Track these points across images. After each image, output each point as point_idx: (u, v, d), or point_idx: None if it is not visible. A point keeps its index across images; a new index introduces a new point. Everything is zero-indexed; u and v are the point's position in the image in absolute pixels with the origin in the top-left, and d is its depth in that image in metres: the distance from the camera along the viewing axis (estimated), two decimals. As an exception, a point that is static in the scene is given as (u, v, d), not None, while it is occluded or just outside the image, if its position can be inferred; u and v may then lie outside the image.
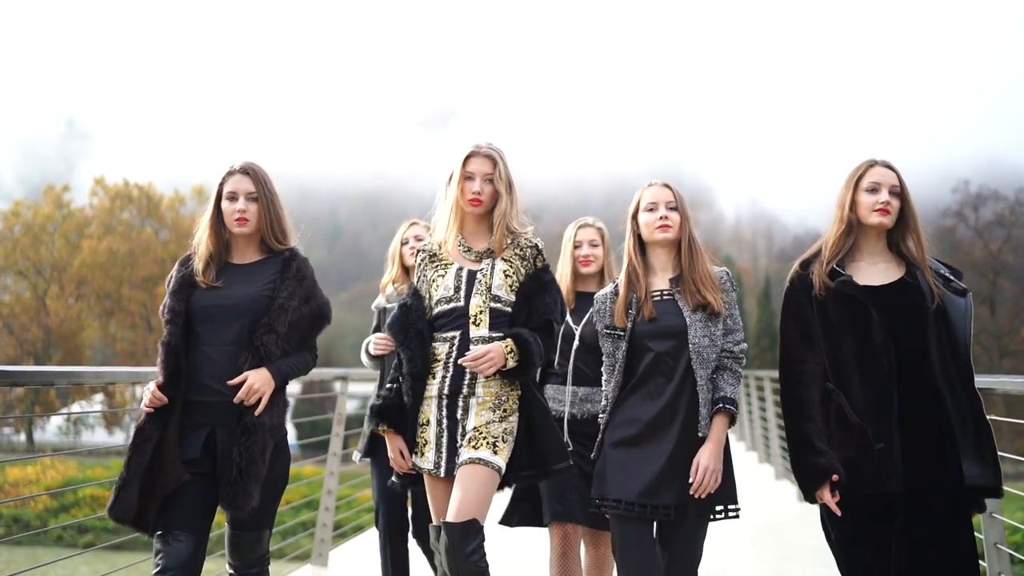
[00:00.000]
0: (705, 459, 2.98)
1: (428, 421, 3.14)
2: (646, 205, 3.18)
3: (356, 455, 4.44)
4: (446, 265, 3.22)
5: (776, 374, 10.52)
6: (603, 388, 3.22)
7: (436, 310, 3.19)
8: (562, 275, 3.87)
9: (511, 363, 3.07)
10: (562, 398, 3.75)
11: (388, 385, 3.23)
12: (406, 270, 4.29)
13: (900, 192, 2.99)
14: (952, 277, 3.00)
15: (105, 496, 21.03)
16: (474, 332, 3.12)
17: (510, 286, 3.17)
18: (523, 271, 3.21)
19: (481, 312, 3.13)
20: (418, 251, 3.32)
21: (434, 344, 3.17)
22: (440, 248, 3.26)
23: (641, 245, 3.21)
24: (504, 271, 3.18)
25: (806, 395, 2.93)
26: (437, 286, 3.20)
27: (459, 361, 3.08)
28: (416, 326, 3.17)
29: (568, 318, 3.81)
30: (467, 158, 3.21)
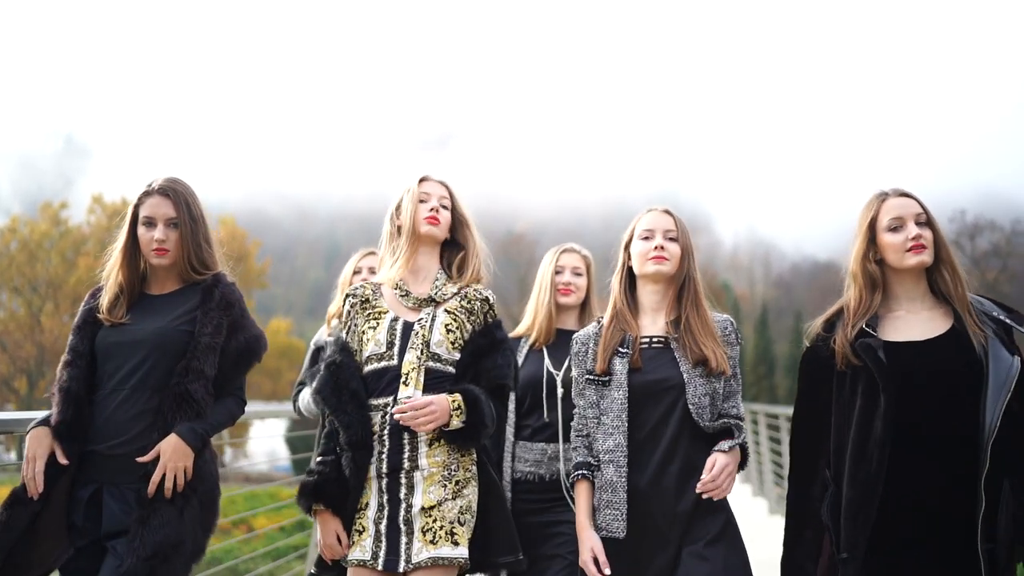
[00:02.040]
0: (724, 459, 2.52)
1: (367, 504, 2.62)
2: (641, 232, 2.72)
3: None
4: (379, 314, 2.72)
5: (771, 408, 10.46)
6: (576, 443, 2.70)
7: (366, 369, 2.69)
8: (539, 305, 3.33)
9: (456, 422, 2.58)
10: (541, 458, 3.18)
11: (320, 459, 2.69)
12: None
13: (928, 220, 2.50)
14: (1014, 324, 2.44)
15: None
16: (402, 392, 2.60)
17: (452, 342, 2.69)
18: (469, 326, 2.74)
19: (414, 370, 2.62)
20: (346, 296, 2.82)
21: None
22: (373, 293, 2.78)
23: (631, 280, 2.75)
24: (446, 325, 2.69)
25: (809, 490, 2.51)
26: (367, 340, 2.70)
27: (392, 411, 2.58)
28: (350, 386, 2.64)
29: (546, 360, 3.26)
30: (420, 181, 2.80)
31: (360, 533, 2.61)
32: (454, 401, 2.59)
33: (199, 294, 2.73)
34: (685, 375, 2.57)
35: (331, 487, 2.62)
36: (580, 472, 2.66)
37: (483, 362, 2.69)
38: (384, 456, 2.60)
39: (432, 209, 2.75)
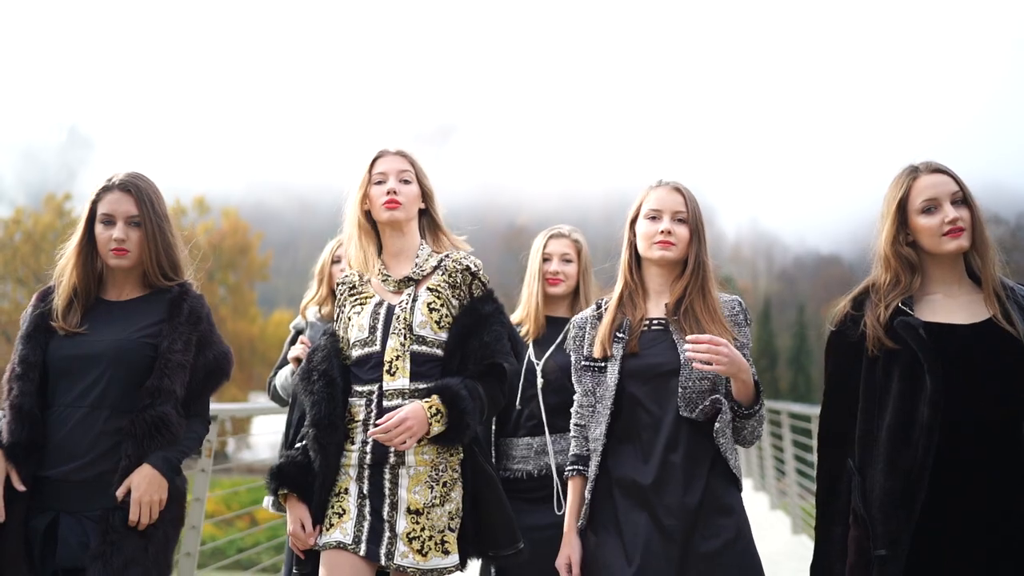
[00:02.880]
0: (733, 349, 2.31)
1: (346, 490, 2.46)
2: (648, 211, 2.49)
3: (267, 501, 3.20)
4: (365, 299, 2.57)
5: (773, 404, 10.41)
6: (574, 434, 2.53)
7: (353, 355, 2.54)
8: (530, 294, 3.15)
9: (437, 428, 2.39)
10: (527, 454, 2.99)
11: (298, 445, 2.54)
12: (335, 292, 3.24)
13: (964, 198, 2.26)
14: None
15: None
16: (389, 383, 2.44)
17: (437, 321, 2.49)
18: (455, 302, 2.54)
19: (399, 357, 2.45)
20: (338, 284, 2.68)
21: (351, 400, 2.51)
22: (360, 279, 2.62)
23: (638, 260, 2.54)
24: (429, 303, 2.50)
25: (837, 485, 2.28)
26: (352, 325, 2.56)
27: (368, 434, 2.41)
28: (320, 367, 2.50)
29: (531, 351, 3.07)
30: (374, 160, 2.60)
31: (340, 516, 2.43)
32: (431, 407, 2.39)
33: (165, 306, 2.52)
34: (681, 358, 2.36)
35: (295, 470, 2.47)
36: (575, 468, 2.49)
37: (470, 342, 2.49)
38: (368, 447, 2.44)
39: (389, 192, 2.54)
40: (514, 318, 3.17)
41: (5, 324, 40.62)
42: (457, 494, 2.47)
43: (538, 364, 3.03)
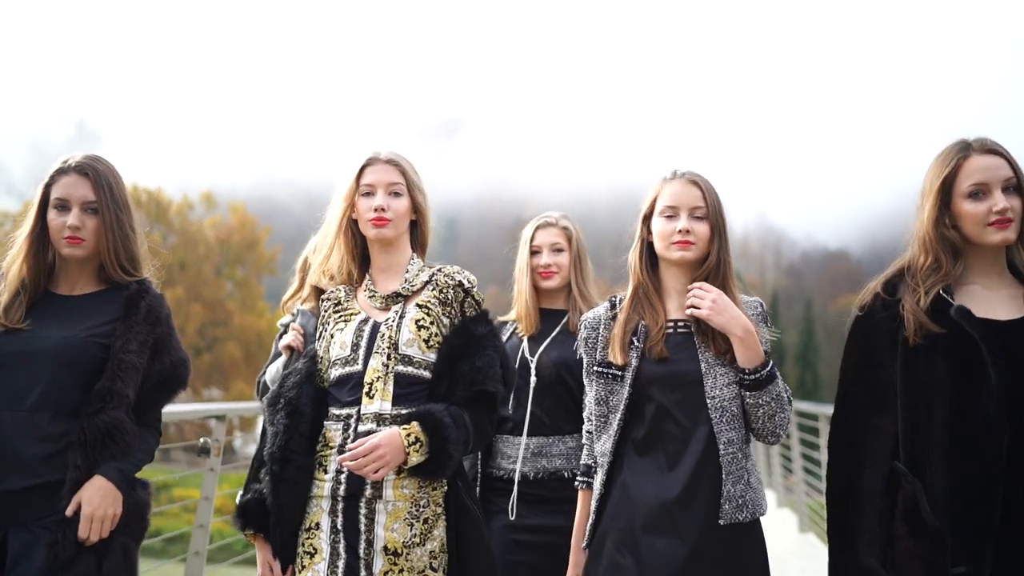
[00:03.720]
0: (747, 318, 2.19)
1: (317, 525, 2.26)
2: (663, 208, 2.27)
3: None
4: (350, 316, 2.38)
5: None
6: (585, 441, 2.38)
7: (333, 375, 2.34)
8: (520, 290, 2.98)
9: (415, 458, 2.19)
10: (512, 453, 2.85)
11: (266, 478, 2.37)
12: (319, 291, 2.87)
13: (1017, 185, 2.03)
14: None
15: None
16: (367, 406, 2.25)
17: (426, 340, 2.30)
18: (445, 319, 2.35)
19: (379, 378, 2.26)
20: (323, 299, 2.49)
21: (327, 423, 2.31)
22: (346, 295, 2.44)
23: (652, 257, 2.34)
24: (417, 320, 2.31)
25: (865, 483, 2.05)
26: (335, 343, 2.36)
27: (339, 459, 2.20)
28: (288, 394, 2.31)
29: (524, 346, 2.91)
30: (362, 168, 2.39)
31: (311, 556, 2.25)
32: (409, 434, 2.19)
33: (122, 303, 2.30)
34: (704, 365, 2.20)
35: (260, 508, 2.32)
36: (584, 480, 2.36)
37: (460, 366, 2.29)
38: (343, 477, 2.24)
39: (377, 208, 2.34)
40: (511, 314, 3.06)
41: (14, 318, 40.77)
42: (440, 531, 2.27)
43: (532, 361, 2.89)
